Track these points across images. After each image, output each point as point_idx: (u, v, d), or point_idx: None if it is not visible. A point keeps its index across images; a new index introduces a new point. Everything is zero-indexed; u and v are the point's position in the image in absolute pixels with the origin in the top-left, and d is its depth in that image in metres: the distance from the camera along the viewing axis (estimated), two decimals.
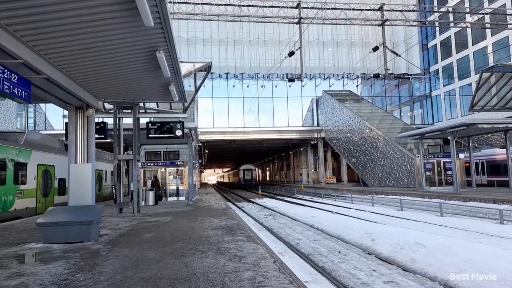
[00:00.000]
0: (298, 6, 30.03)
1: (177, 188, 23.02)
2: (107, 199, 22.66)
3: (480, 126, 20.16)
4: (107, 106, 13.50)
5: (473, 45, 36.37)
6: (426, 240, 8.78)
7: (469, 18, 34.49)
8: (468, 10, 34.31)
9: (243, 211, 22.14)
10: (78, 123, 10.18)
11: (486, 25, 32.43)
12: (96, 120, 11.96)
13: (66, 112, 10.72)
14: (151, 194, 18.43)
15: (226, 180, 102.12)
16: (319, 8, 29.82)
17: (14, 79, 6.41)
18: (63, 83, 8.01)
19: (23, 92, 6.72)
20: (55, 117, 40.02)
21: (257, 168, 62.02)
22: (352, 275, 7.18)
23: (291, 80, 35.74)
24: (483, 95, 21.88)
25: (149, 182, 20.83)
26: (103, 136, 13.83)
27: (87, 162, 10.15)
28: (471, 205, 15.32)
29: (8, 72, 6.26)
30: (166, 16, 5.90)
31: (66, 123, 11.35)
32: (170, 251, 6.83)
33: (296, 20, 29.71)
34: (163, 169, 23.22)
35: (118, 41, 6.74)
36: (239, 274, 5.12)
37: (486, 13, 32.26)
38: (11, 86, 6.33)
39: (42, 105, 37.30)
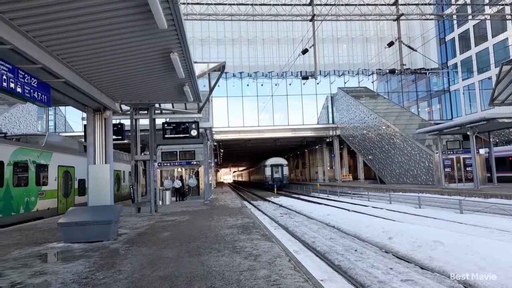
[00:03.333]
0: (311, 3, 29.84)
1: (194, 187, 23.30)
2: (125, 198, 23.06)
3: (501, 121, 19.61)
4: (124, 107, 13.73)
5: (492, 37, 35.32)
6: (444, 238, 8.64)
7: (488, 10, 33.51)
8: (487, 1, 33.35)
9: (259, 210, 22.17)
10: (96, 125, 10.40)
11: (506, 16, 31.46)
12: (114, 121, 12.20)
13: (84, 115, 10.97)
14: (168, 194, 18.69)
15: (243, 179, 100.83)
16: (333, 5, 29.49)
17: (34, 83, 6.62)
18: (81, 86, 8.22)
19: (43, 95, 6.93)
20: (74, 119, 40.96)
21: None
22: (368, 273, 7.11)
23: (305, 77, 35.44)
24: (503, 88, 21.28)
25: (167, 182, 21.12)
26: (120, 137, 14.10)
27: (106, 163, 10.36)
28: (492, 202, 14.93)
29: (28, 77, 6.47)
30: (179, 18, 5.98)
31: (85, 125, 11.61)
32: (187, 249, 6.93)
33: (309, 17, 29.49)
34: (179, 169, 23.55)
35: (133, 43, 6.88)
36: (254, 272, 5.16)
37: (506, 4, 31.26)
38: (32, 90, 6.54)
39: (62, 108, 38.20)
